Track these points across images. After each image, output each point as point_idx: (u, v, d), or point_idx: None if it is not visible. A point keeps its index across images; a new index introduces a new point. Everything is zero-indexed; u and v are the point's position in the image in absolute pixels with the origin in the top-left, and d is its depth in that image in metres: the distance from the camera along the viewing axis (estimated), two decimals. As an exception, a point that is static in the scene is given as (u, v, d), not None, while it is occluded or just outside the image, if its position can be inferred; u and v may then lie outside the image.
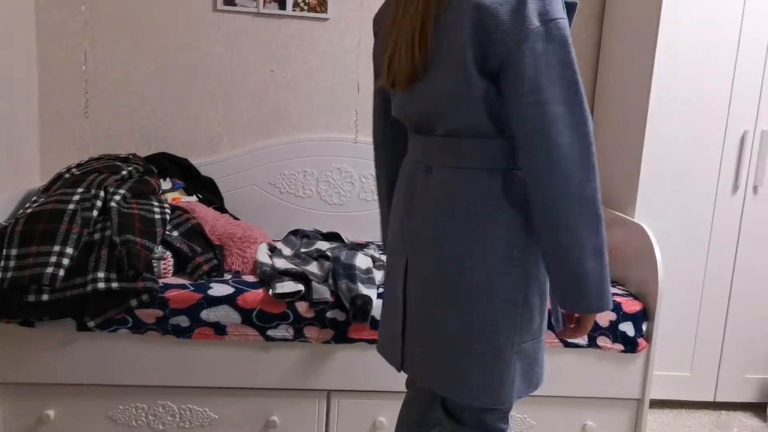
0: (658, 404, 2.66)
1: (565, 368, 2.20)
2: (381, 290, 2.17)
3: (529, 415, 2.24)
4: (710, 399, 2.65)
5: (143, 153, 2.81)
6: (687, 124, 2.48)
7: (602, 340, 2.18)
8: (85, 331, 2.04)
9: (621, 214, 2.54)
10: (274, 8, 2.84)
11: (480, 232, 1.30)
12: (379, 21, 1.50)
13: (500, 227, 1.29)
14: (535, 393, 2.20)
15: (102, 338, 2.07)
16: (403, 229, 1.42)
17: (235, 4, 2.82)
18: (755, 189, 2.53)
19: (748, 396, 2.66)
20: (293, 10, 2.84)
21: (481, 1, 1.17)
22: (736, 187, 2.52)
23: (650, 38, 2.45)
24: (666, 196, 2.51)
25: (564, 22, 1.19)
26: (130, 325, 2.05)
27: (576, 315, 1.34)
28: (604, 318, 2.17)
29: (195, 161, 2.87)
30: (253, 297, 2.10)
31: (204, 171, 2.87)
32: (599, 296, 1.23)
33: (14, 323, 2.03)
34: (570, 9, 1.25)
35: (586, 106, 1.20)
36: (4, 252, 1.99)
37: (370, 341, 2.12)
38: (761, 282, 2.59)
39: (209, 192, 2.86)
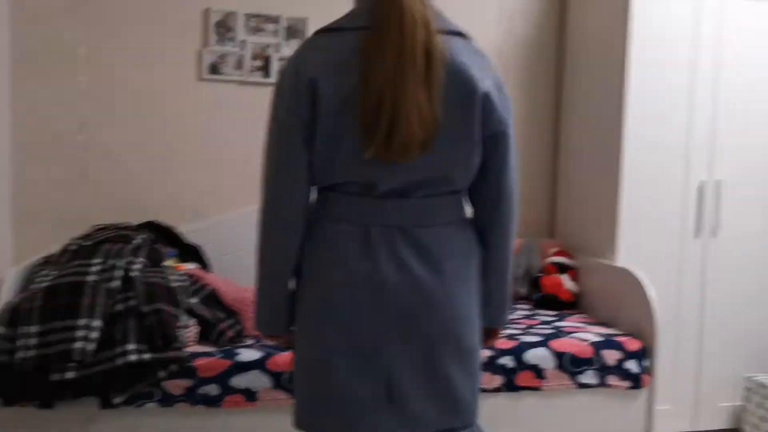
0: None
1: (576, 409, 2.32)
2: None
3: (547, 458, 2.33)
4: (687, 429, 2.85)
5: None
6: (655, 176, 2.74)
7: (612, 379, 2.32)
8: (110, 408, 1.95)
9: (603, 260, 2.75)
10: (258, 77, 2.91)
11: (475, 283, 1.47)
12: (324, 74, 1.32)
13: (477, 268, 1.47)
14: (554, 435, 2.31)
15: (128, 414, 1.98)
16: (388, 297, 1.36)
17: (221, 73, 2.86)
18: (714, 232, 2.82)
19: (722, 423, 2.89)
20: (278, 79, 2.91)
21: (486, 90, 1.36)
22: (699, 230, 2.81)
23: (616, 87, 2.72)
24: (639, 241, 2.74)
25: None
26: (158, 398, 1.98)
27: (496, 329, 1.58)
28: (612, 357, 2.32)
29: (180, 229, 2.83)
30: (284, 360, 2.08)
31: (189, 238, 2.83)
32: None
33: (31, 406, 1.91)
34: None
35: None
36: (22, 330, 1.89)
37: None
38: (729, 317, 2.85)
39: (195, 259, 2.82)
